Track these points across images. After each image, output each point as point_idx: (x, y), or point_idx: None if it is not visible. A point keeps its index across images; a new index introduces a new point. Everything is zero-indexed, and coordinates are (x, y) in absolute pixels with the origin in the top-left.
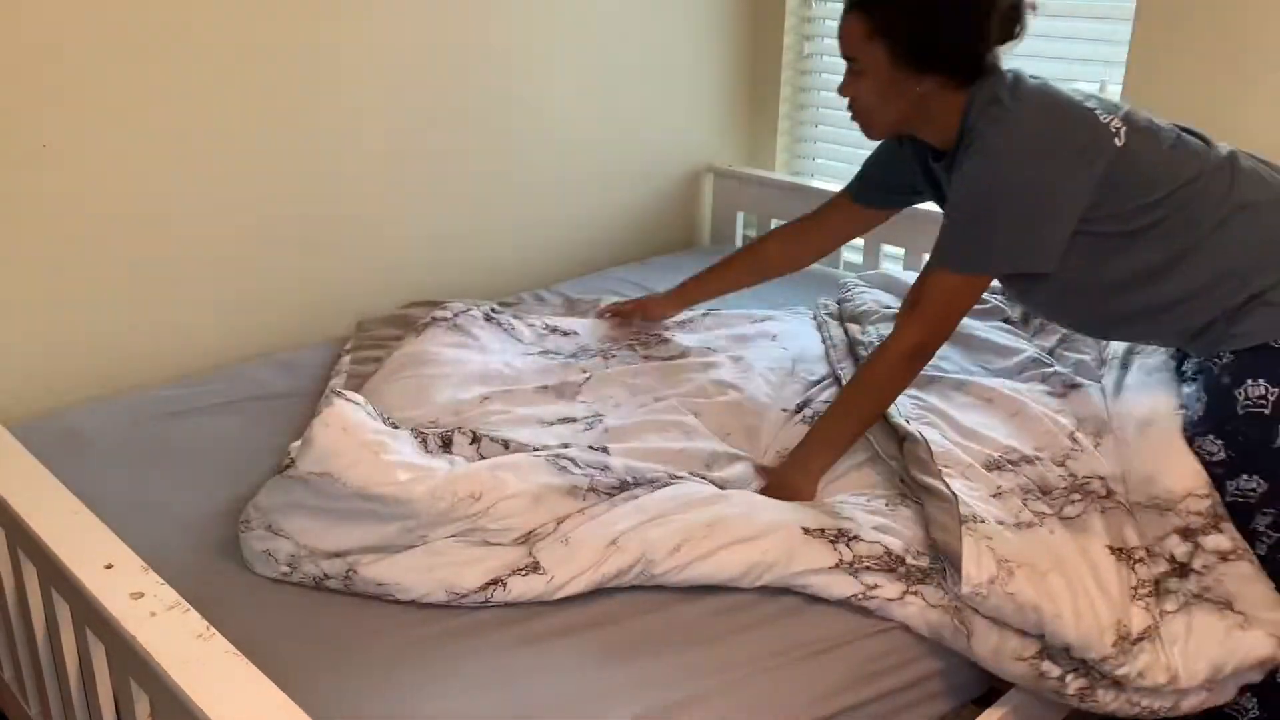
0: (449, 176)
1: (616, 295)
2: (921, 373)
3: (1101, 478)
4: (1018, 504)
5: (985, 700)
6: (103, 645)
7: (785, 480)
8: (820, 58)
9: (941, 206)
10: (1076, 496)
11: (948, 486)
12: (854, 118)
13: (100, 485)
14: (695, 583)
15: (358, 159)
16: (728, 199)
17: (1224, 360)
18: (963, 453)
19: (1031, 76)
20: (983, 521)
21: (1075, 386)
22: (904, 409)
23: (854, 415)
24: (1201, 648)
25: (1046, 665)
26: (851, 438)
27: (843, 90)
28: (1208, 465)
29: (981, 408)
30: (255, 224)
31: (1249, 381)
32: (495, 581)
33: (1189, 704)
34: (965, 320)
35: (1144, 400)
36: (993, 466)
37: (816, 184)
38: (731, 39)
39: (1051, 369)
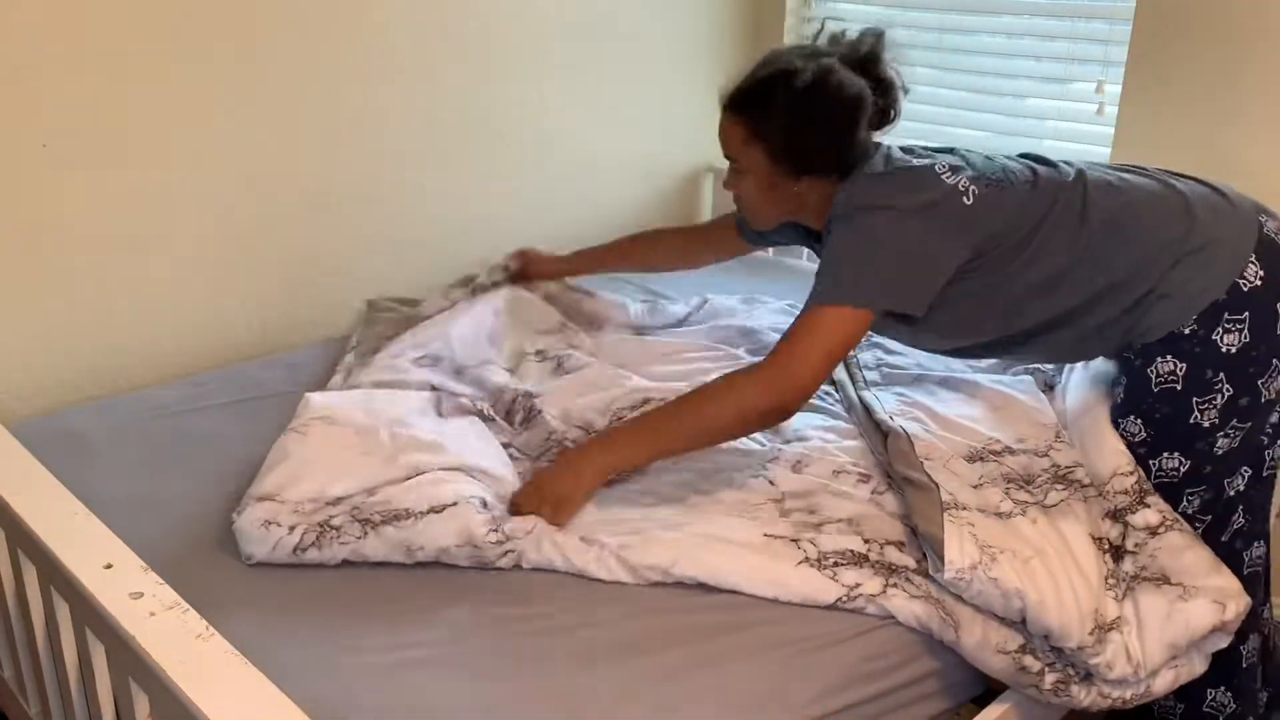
0: (449, 177)
1: (615, 294)
2: (904, 370)
3: (1084, 467)
4: (999, 494)
5: (984, 700)
6: (102, 645)
7: (551, 479)
8: None
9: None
10: (1059, 486)
11: (929, 477)
12: (739, 210)
13: (100, 485)
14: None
15: (358, 159)
16: (728, 199)
17: (1136, 348)
18: (945, 445)
19: (900, 149)
20: (965, 509)
21: (1052, 387)
22: (888, 405)
23: (679, 429)
24: (1151, 629)
25: (1028, 660)
26: (665, 453)
27: (727, 185)
28: (1132, 447)
29: (965, 401)
30: (255, 224)
31: (1159, 359)
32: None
33: (1160, 685)
34: None
35: (1078, 394)
36: (975, 458)
37: None
38: (731, 39)
39: (1035, 366)
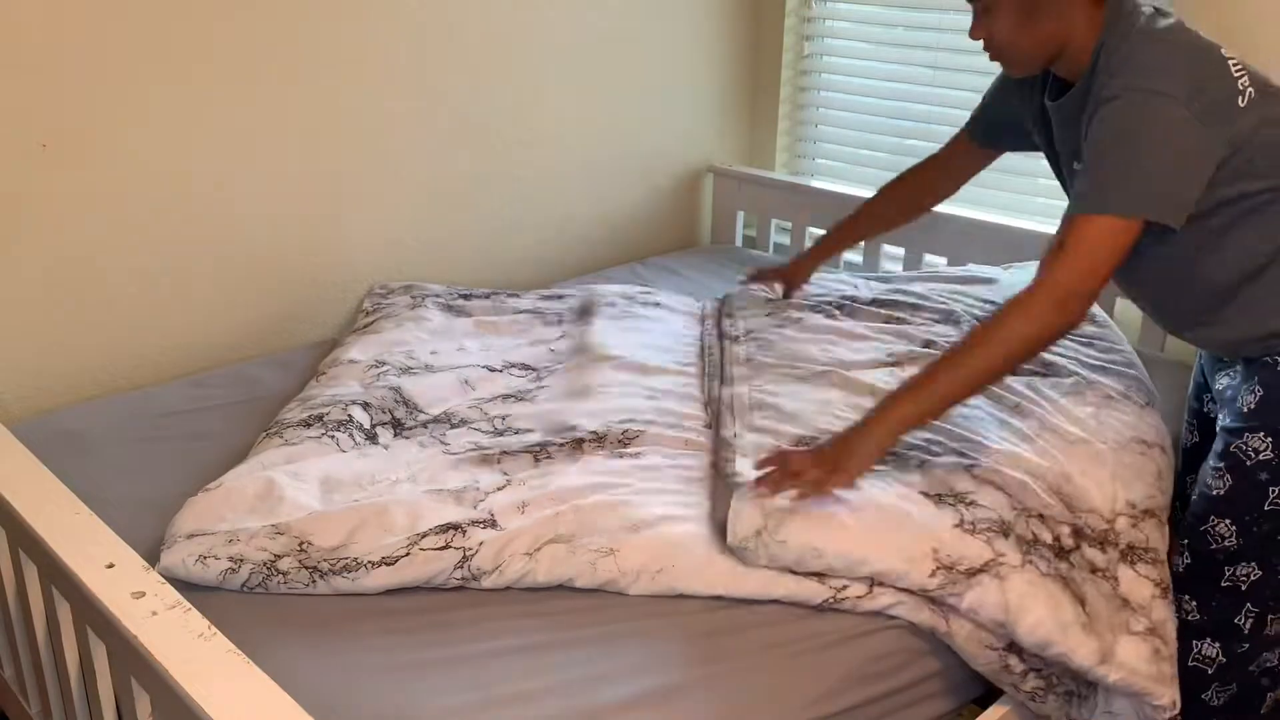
0: (449, 176)
1: (618, 294)
2: (768, 364)
3: (940, 442)
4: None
5: (985, 700)
6: (104, 644)
7: (836, 445)
8: (820, 58)
9: (1047, 151)
10: (891, 455)
11: (733, 460)
12: (992, 58)
13: (100, 485)
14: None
15: (358, 158)
16: (728, 199)
17: None
18: (773, 438)
19: (1161, 12)
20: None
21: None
22: (740, 400)
23: (966, 368)
24: (1041, 611)
25: (1012, 660)
26: (953, 397)
27: (974, 34)
28: (1251, 465)
29: (825, 390)
30: (255, 224)
31: None
32: (454, 527)
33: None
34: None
35: (1092, 418)
36: (800, 443)
37: (816, 184)
38: (731, 39)
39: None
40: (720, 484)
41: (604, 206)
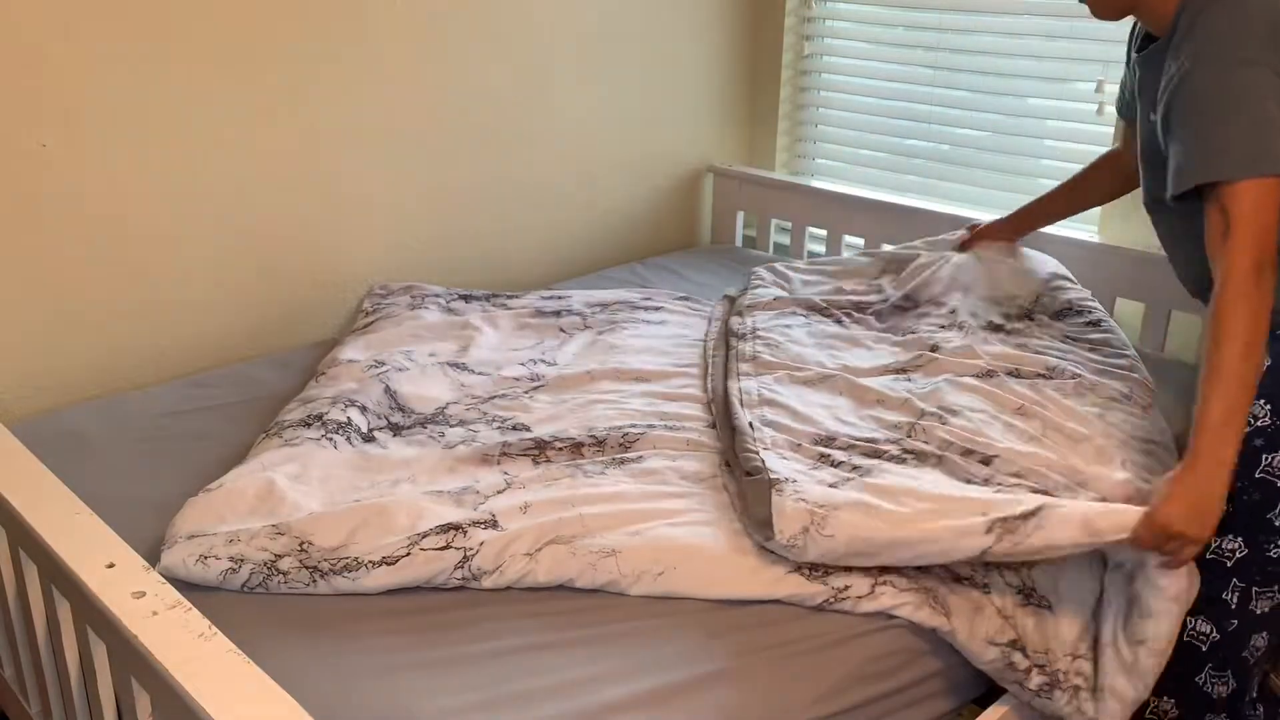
0: (449, 176)
1: (619, 294)
2: (773, 360)
3: (950, 443)
4: (833, 472)
5: (985, 700)
6: (104, 644)
7: (1198, 492)
8: (820, 58)
9: (1138, 109)
10: (909, 454)
11: (758, 455)
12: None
13: (100, 485)
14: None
15: (358, 158)
16: (728, 199)
17: None
18: (791, 435)
19: None
20: (794, 481)
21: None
22: (749, 393)
23: (1234, 375)
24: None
25: (1016, 656)
26: (1244, 403)
27: None
28: (1246, 431)
29: (832, 396)
30: (255, 223)
31: None
32: (454, 528)
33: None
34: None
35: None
36: (821, 441)
37: (816, 184)
38: (731, 39)
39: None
40: (734, 480)
41: (604, 206)
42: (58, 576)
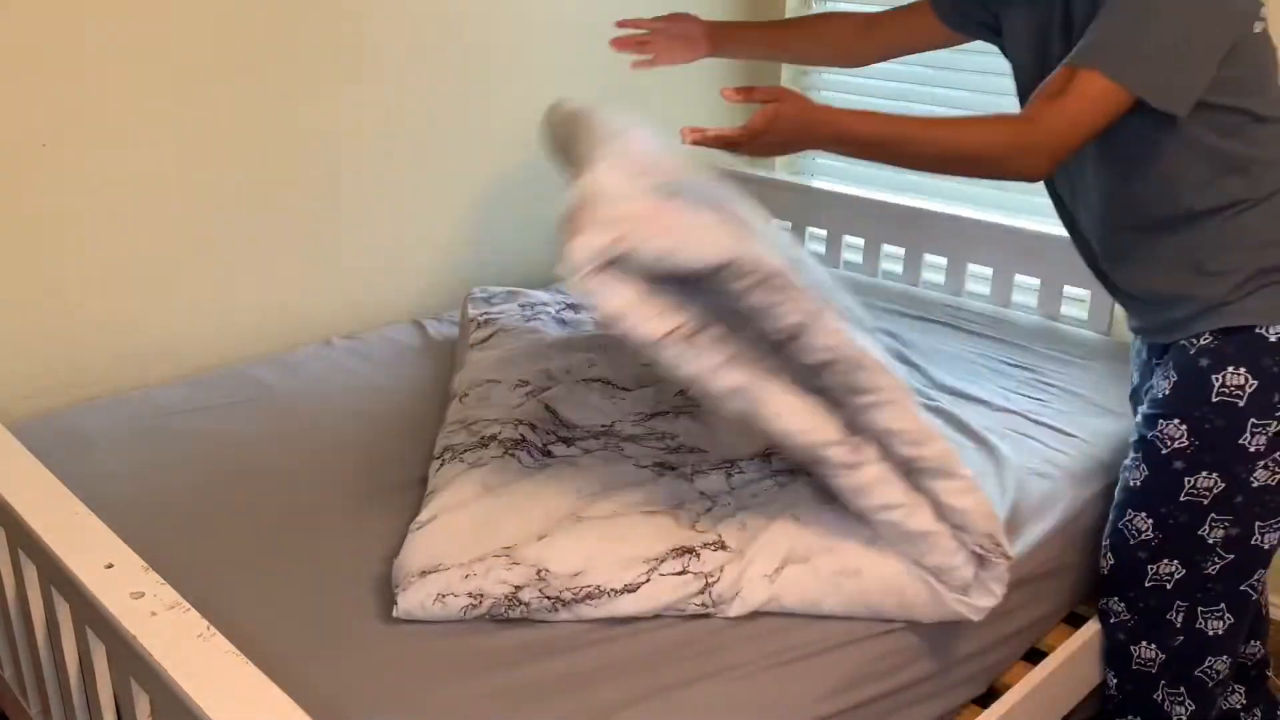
0: (449, 176)
1: None
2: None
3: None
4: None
5: (985, 700)
6: (103, 645)
7: (810, 116)
8: None
9: (1012, 50)
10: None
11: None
12: None
13: (100, 485)
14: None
15: (358, 158)
16: None
17: (1203, 342)
18: None
19: None
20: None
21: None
22: None
23: (932, 140)
24: None
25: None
26: (898, 145)
27: None
28: (1164, 454)
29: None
30: (255, 224)
31: (1229, 369)
32: (687, 551)
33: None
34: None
35: None
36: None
37: (817, 184)
38: None
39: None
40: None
41: None
42: (57, 577)
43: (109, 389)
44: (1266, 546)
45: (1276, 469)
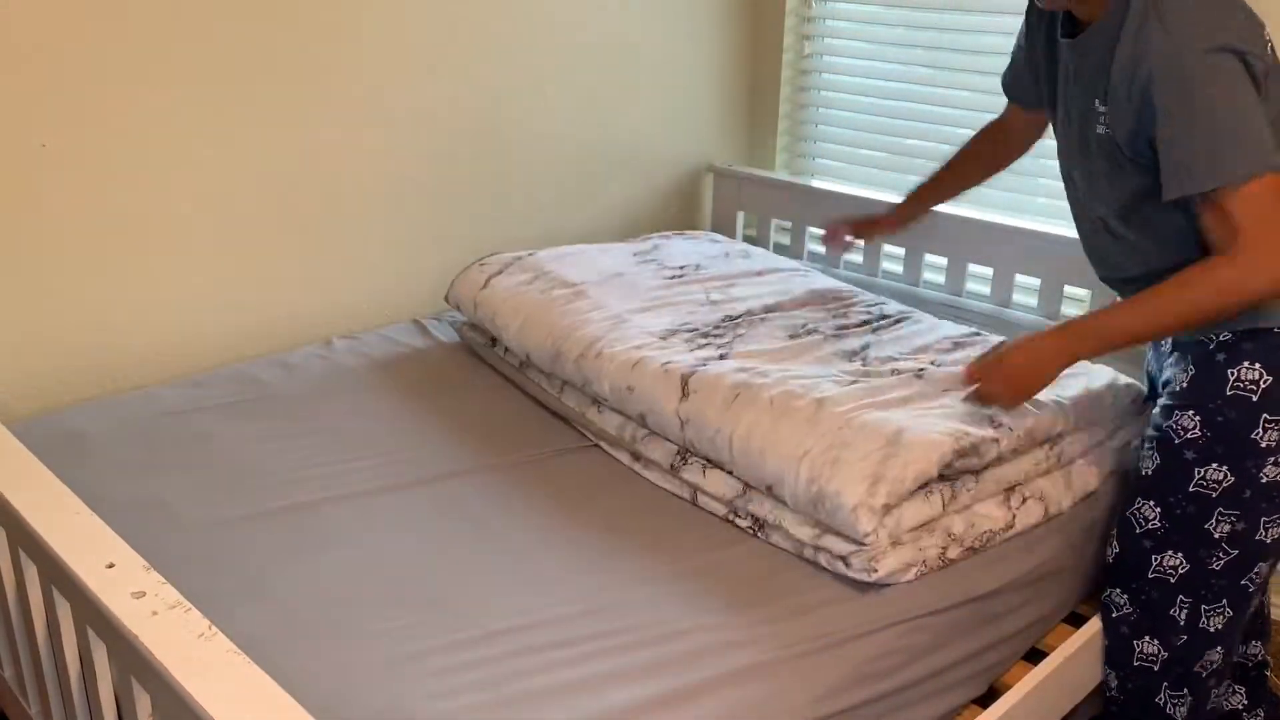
0: (449, 177)
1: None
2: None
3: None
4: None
5: (985, 700)
6: (104, 644)
7: (1036, 358)
8: (820, 58)
9: (1052, 99)
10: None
11: None
12: None
13: (101, 485)
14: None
15: (358, 159)
16: (728, 199)
17: (1221, 338)
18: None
19: None
20: None
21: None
22: None
23: (1166, 314)
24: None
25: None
26: (1141, 336)
27: None
28: (1179, 444)
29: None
30: (255, 224)
31: (1245, 364)
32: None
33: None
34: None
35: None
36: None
37: (816, 184)
38: (731, 39)
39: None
40: None
41: (604, 206)
42: (58, 577)
43: (109, 389)
44: (1269, 541)
45: None
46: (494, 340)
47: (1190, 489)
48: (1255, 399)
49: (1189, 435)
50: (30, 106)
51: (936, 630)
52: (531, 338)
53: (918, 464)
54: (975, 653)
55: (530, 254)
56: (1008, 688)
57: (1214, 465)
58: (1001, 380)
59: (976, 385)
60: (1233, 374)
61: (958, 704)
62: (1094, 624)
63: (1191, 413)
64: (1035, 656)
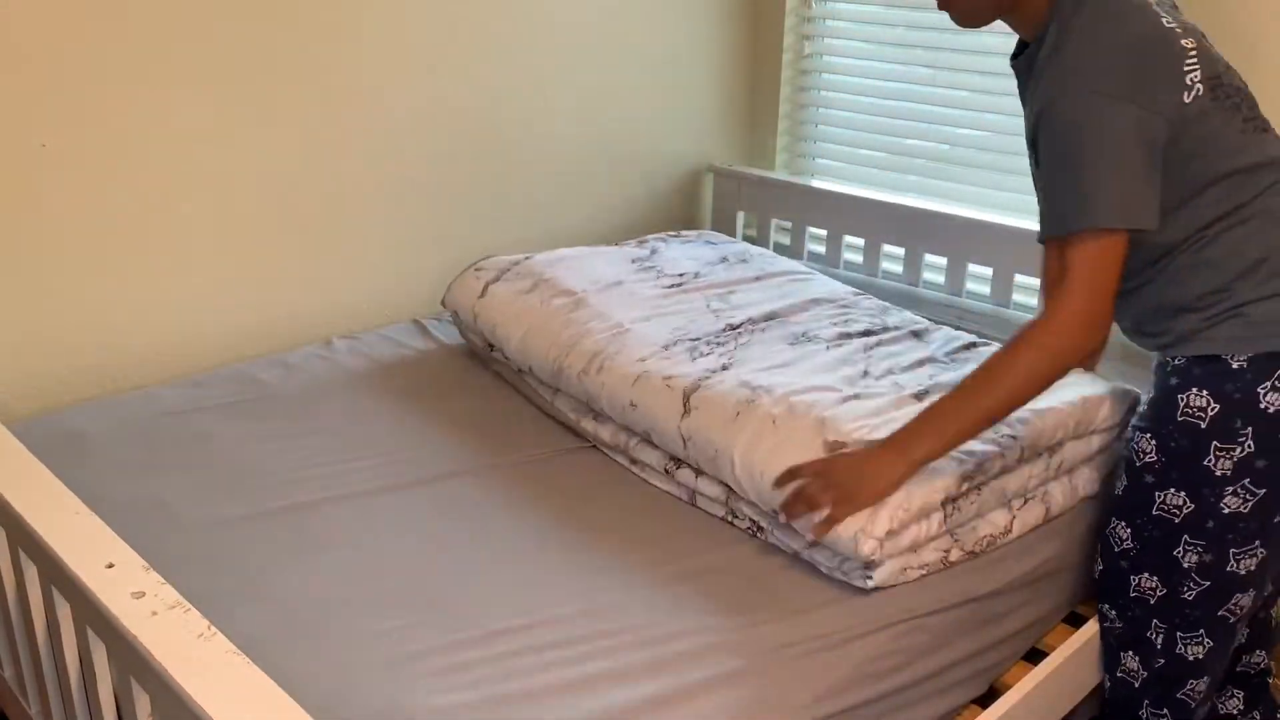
0: (449, 177)
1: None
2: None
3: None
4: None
5: (985, 700)
6: (104, 645)
7: (876, 456)
8: (820, 58)
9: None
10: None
11: None
12: (941, 6)
13: (100, 485)
14: None
15: (358, 159)
16: (728, 199)
17: (1177, 363)
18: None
19: None
20: None
21: None
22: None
23: (982, 411)
24: None
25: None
26: (966, 434)
27: None
28: (1140, 466)
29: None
30: (255, 224)
31: (1194, 390)
32: None
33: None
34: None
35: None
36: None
37: (816, 184)
38: (731, 39)
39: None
40: None
41: (604, 206)
42: (58, 577)
43: (109, 389)
44: (1243, 572)
45: (1248, 496)
46: (492, 345)
47: (1154, 513)
48: (1204, 426)
49: (1147, 459)
50: (30, 106)
51: (936, 630)
52: (534, 350)
53: (922, 494)
54: (975, 653)
55: (526, 258)
56: (1008, 688)
57: (1172, 490)
58: (824, 481)
59: (798, 483)
60: (1182, 399)
61: (958, 704)
62: (1093, 624)
63: (1149, 436)
64: (1035, 656)
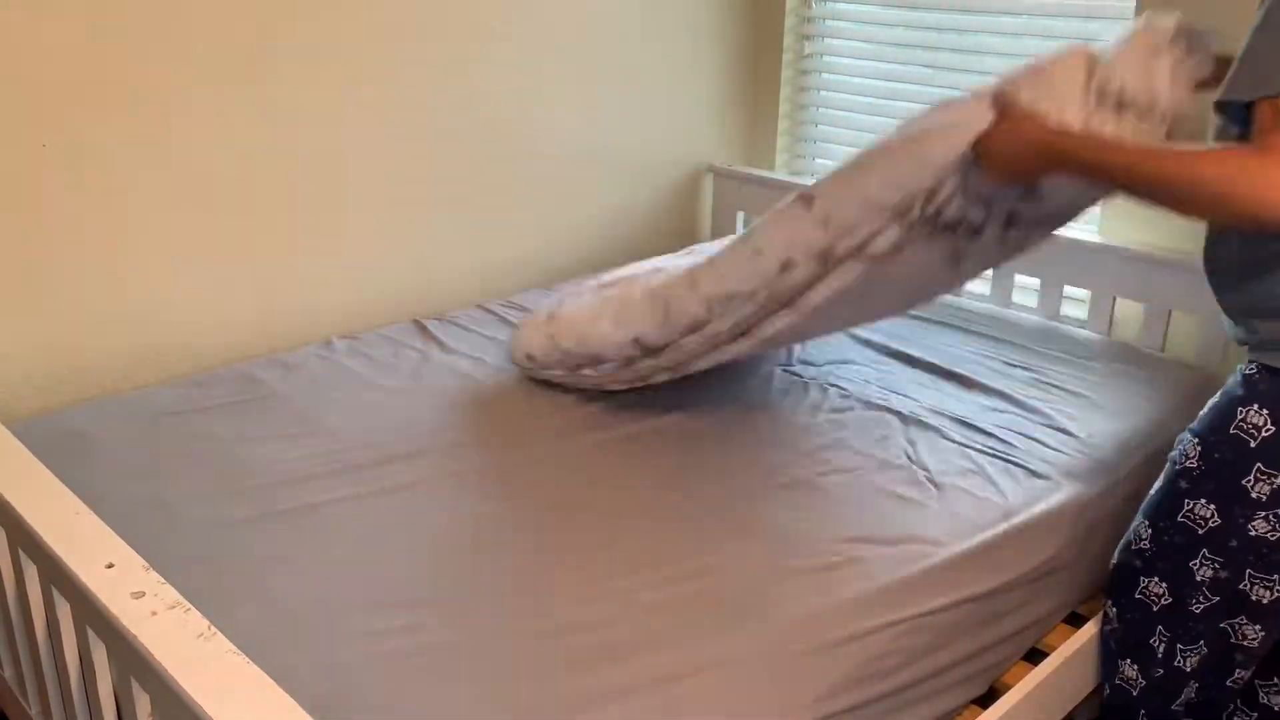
0: (449, 177)
1: None
2: None
3: None
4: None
5: (985, 700)
6: (104, 645)
7: (1027, 131)
8: (820, 58)
9: None
10: None
11: None
12: None
13: (101, 485)
14: None
15: (358, 157)
16: (728, 199)
17: (1248, 371)
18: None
19: None
20: None
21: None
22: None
23: (1161, 171)
24: None
25: None
26: (1117, 171)
27: None
28: (1178, 470)
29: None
30: (254, 224)
31: (1254, 406)
32: None
33: None
34: None
35: None
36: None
37: None
38: (731, 39)
39: None
40: None
41: (604, 206)
42: (58, 577)
43: (109, 389)
44: (1254, 598)
45: (1279, 524)
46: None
47: (1179, 519)
48: (1253, 445)
49: (1188, 463)
50: (30, 106)
51: (936, 630)
52: (635, 317)
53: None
54: (975, 653)
55: (558, 290)
56: (1008, 688)
57: (1203, 501)
58: (985, 139)
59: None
60: (1241, 413)
61: (958, 704)
62: (1094, 624)
63: (1196, 442)
64: (1035, 656)
